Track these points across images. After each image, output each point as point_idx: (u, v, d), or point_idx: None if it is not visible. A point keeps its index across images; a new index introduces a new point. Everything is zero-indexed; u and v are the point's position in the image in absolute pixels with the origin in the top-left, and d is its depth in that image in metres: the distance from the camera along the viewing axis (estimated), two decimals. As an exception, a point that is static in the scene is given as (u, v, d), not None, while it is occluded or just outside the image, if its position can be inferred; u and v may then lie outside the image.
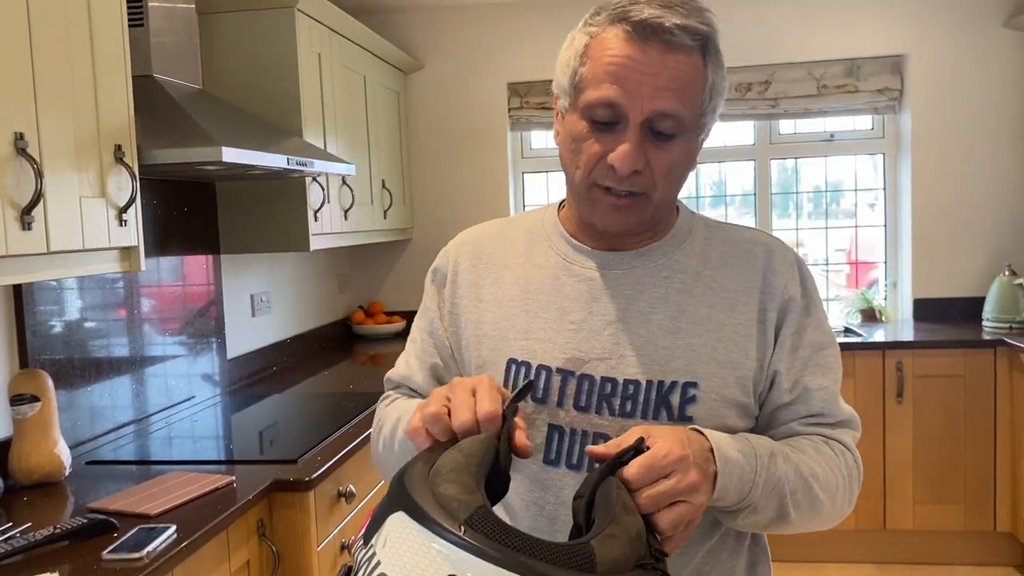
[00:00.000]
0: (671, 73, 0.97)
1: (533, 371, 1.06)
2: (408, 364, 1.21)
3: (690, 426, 0.94)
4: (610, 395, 1.03)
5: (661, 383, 1.02)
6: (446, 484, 0.73)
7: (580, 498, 0.82)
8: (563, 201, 1.18)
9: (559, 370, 1.05)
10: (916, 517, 3.52)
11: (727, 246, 1.11)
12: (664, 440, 0.86)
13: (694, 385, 1.02)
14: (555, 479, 1.05)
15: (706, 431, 0.94)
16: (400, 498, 0.72)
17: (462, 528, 0.68)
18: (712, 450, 0.91)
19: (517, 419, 0.89)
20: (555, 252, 1.13)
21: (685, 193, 4.30)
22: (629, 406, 1.02)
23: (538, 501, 1.06)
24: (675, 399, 1.02)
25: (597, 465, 0.86)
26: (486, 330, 1.11)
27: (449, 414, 0.88)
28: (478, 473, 0.76)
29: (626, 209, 1.03)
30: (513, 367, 1.07)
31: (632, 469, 0.83)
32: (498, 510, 1.12)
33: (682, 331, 1.04)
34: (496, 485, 0.84)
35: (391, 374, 1.24)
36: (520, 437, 0.87)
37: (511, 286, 1.12)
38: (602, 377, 1.04)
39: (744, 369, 1.04)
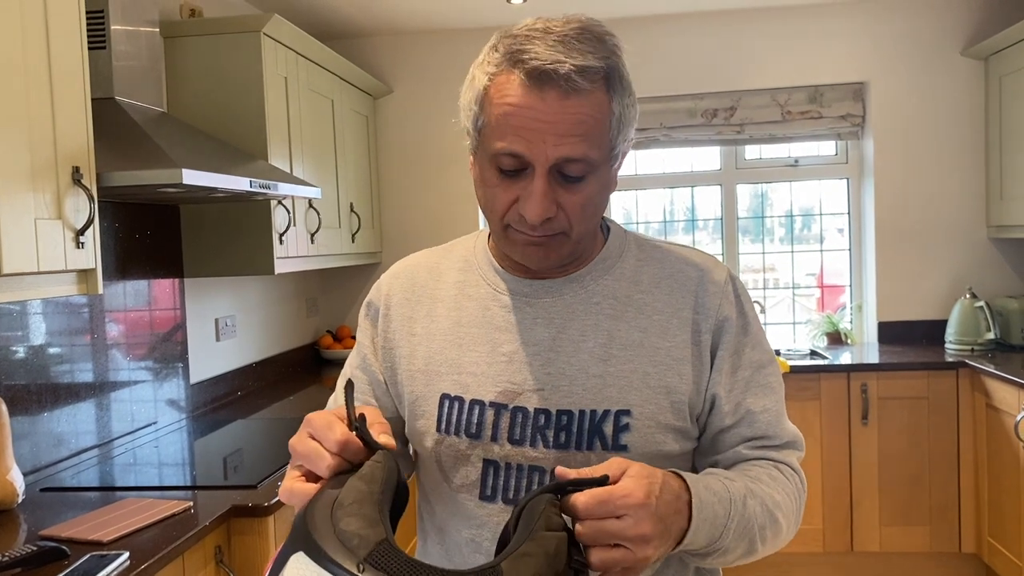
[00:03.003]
0: (572, 119, 0.94)
1: (467, 406, 1.04)
2: (336, 401, 1.18)
3: (672, 470, 0.91)
4: (544, 427, 1.01)
5: (594, 412, 1.00)
6: (347, 519, 0.71)
7: (515, 512, 0.80)
8: None
9: (492, 403, 1.03)
10: (883, 539, 3.54)
11: (658, 267, 1.09)
12: (632, 480, 0.83)
13: (627, 413, 1.00)
14: (492, 515, 1.03)
15: (688, 478, 0.90)
16: (301, 537, 0.71)
17: (360, 567, 0.66)
18: (690, 503, 0.87)
19: (369, 421, 0.86)
20: (485, 282, 1.11)
21: (656, 218, 4.33)
22: (563, 437, 1.00)
23: (475, 538, 1.04)
24: (608, 428, 1.00)
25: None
26: (419, 365, 1.09)
27: (310, 474, 0.84)
28: (382, 500, 0.74)
29: (544, 247, 1.01)
30: (446, 402, 1.05)
31: (583, 497, 0.80)
32: (435, 549, 1.10)
33: (613, 358, 1.02)
34: (401, 497, 0.82)
35: None
36: (378, 435, 0.84)
37: (443, 319, 1.10)
38: (535, 409, 1.02)
39: (679, 393, 1.02)
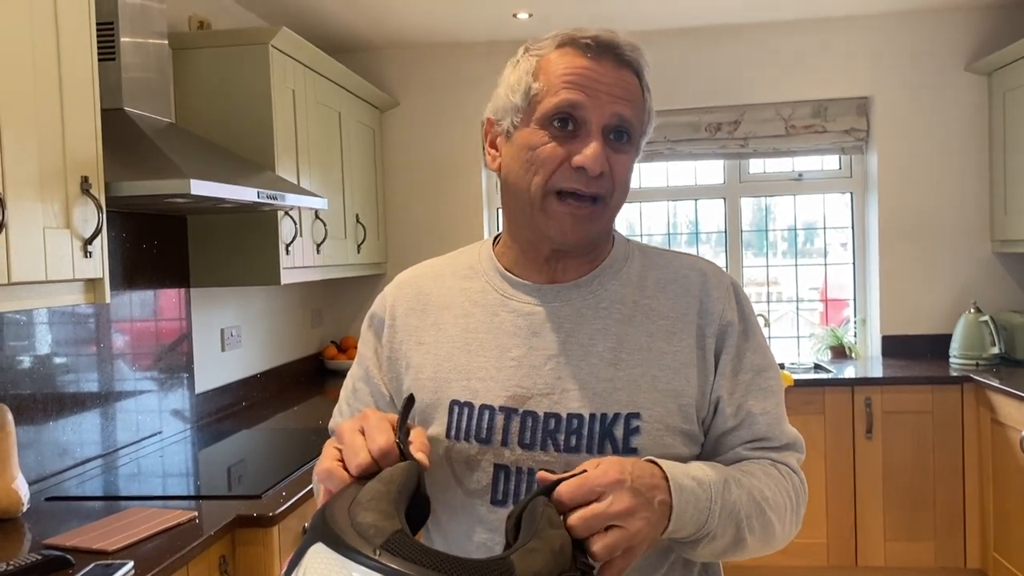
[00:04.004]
0: (624, 85, 1.04)
1: (476, 411, 1.05)
2: (342, 414, 1.19)
3: (646, 458, 0.93)
4: (554, 431, 1.02)
5: (604, 416, 1.02)
6: (364, 513, 0.73)
7: (511, 517, 0.83)
8: (497, 236, 1.18)
9: (502, 408, 1.04)
10: (887, 554, 3.52)
11: (663, 272, 1.12)
12: (604, 464, 0.87)
13: (637, 416, 1.02)
14: (503, 520, 1.01)
15: (662, 462, 0.93)
16: (319, 529, 0.73)
17: (377, 552, 0.68)
18: (667, 478, 0.91)
19: (412, 434, 0.90)
20: (493, 288, 1.12)
21: (660, 230, 4.34)
22: (574, 441, 1.02)
23: (487, 543, 1.05)
24: (619, 431, 1.01)
25: None
26: (428, 373, 1.09)
27: (344, 462, 0.88)
28: (398, 499, 0.76)
29: (585, 219, 1.04)
30: (456, 408, 1.06)
31: (564, 487, 0.85)
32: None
33: (622, 362, 1.04)
34: (422, 509, 0.84)
35: (329, 425, 1.23)
36: (414, 451, 0.88)
37: (451, 327, 1.11)
38: (545, 413, 1.03)
39: (686, 397, 1.04)
